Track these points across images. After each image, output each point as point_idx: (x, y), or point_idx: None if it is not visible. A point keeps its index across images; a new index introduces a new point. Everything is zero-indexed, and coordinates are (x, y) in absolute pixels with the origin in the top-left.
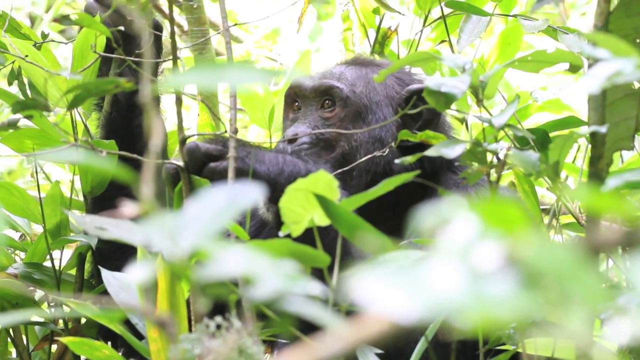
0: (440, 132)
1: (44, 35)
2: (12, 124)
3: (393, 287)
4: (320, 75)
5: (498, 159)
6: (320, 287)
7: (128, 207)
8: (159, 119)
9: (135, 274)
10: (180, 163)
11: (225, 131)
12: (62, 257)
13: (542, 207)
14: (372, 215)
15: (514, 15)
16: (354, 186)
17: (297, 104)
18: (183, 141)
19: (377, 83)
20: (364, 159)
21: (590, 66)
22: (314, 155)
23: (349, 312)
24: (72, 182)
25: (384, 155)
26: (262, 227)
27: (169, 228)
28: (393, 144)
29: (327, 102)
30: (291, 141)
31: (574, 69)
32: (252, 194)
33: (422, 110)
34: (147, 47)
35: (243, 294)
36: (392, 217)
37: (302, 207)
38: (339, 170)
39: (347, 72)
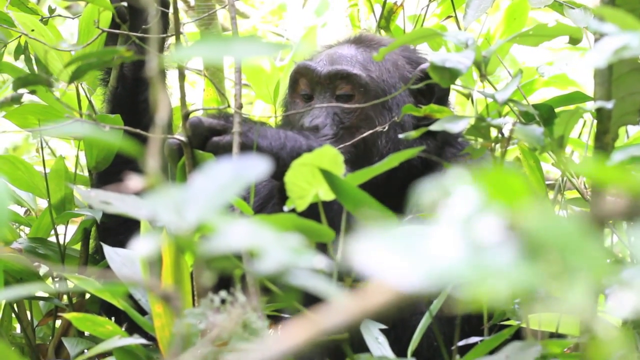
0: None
1: (51, 10)
2: (16, 100)
3: (395, 254)
4: (329, 58)
5: (502, 134)
6: (325, 261)
7: (133, 181)
8: (165, 93)
9: (140, 248)
10: (184, 138)
11: (229, 106)
12: (67, 232)
13: (547, 182)
14: (378, 191)
15: None
16: None
17: (306, 89)
18: (186, 116)
19: (390, 65)
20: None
21: (596, 41)
22: (336, 144)
23: (353, 286)
24: (77, 157)
25: (405, 141)
26: (266, 203)
27: (175, 202)
28: (397, 118)
29: (343, 89)
30: (311, 132)
31: (574, 41)
32: (258, 168)
33: (434, 89)
34: (154, 21)
35: (248, 268)
36: (397, 194)
37: (307, 182)
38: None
39: (358, 55)
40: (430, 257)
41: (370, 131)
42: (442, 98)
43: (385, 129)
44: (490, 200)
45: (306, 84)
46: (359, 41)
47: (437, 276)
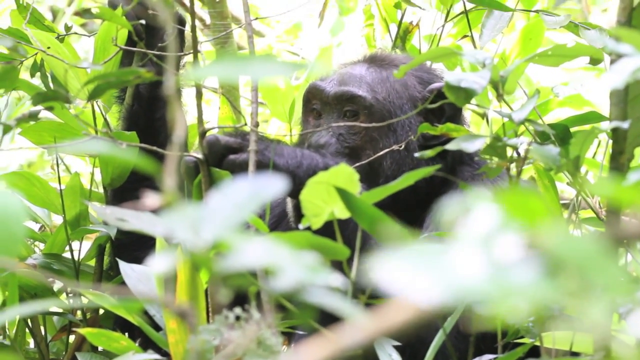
0: None
1: (67, 28)
2: (33, 116)
3: (417, 272)
4: (339, 78)
5: (518, 153)
6: (341, 279)
7: (150, 198)
8: (181, 111)
9: (157, 264)
10: (200, 156)
11: (245, 124)
12: (82, 248)
13: (561, 202)
14: (391, 209)
15: (536, 11)
16: None
17: (316, 108)
18: (203, 134)
19: (399, 85)
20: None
21: (612, 62)
22: None
23: (368, 304)
24: (92, 174)
25: (410, 163)
26: (280, 221)
27: (191, 219)
28: (413, 137)
29: (349, 110)
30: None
31: (594, 62)
32: (274, 186)
33: (444, 108)
34: (171, 39)
35: (264, 285)
36: (410, 212)
37: (322, 200)
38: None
39: (367, 76)
40: (451, 275)
41: (380, 153)
42: (452, 117)
43: (402, 147)
44: (510, 219)
45: (317, 103)
46: (372, 60)
47: (458, 293)
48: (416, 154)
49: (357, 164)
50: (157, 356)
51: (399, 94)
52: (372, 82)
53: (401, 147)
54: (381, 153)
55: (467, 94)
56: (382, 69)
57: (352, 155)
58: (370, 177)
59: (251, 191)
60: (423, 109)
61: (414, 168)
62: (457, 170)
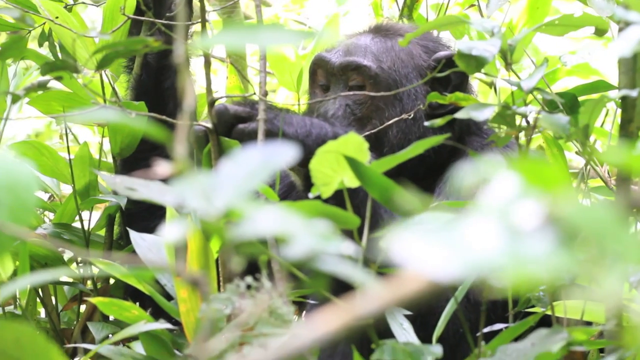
0: None
1: None
2: (42, 85)
3: (431, 245)
4: (344, 49)
5: (527, 122)
6: (353, 247)
7: (161, 167)
8: (190, 81)
9: (168, 233)
10: (209, 125)
11: (254, 93)
12: (91, 218)
13: (570, 171)
14: (398, 179)
15: None
16: None
17: (323, 80)
18: (212, 103)
19: (404, 54)
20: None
21: (621, 30)
22: None
23: (380, 273)
24: (101, 143)
25: (417, 131)
26: (290, 190)
27: (203, 188)
28: (422, 106)
29: (355, 80)
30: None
31: (600, 32)
32: (285, 154)
33: (450, 77)
34: (180, 8)
35: (276, 253)
36: (418, 182)
37: (332, 169)
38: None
39: (372, 46)
40: (467, 247)
41: (389, 122)
42: (459, 86)
43: (411, 116)
44: (529, 187)
45: (323, 74)
46: (377, 30)
47: (475, 265)
48: (426, 123)
49: (364, 134)
50: (169, 325)
51: (404, 63)
52: (377, 52)
53: (410, 116)
54: (390, 122)
55: (478, 62)
56: (387, 39)
57: (358, 124)
58: (376, 146)
59: (262, 159)
60: (429, 78)
61: (420, 137)
62: (465, 140)
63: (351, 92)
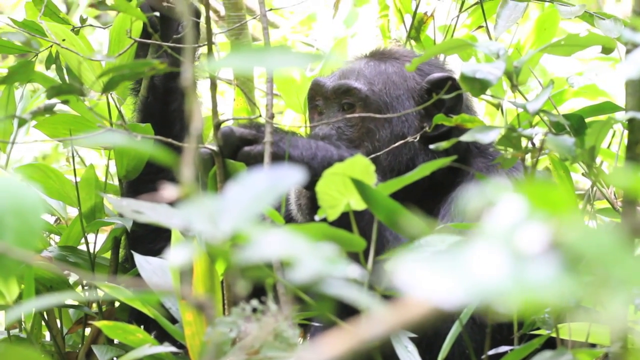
0: None
1: (83, 20)
2: (49, 109)
3: (435, 271)
4: (339, 73)
5: (533, 144)
6: (359, 270)
7: (167, 190)
8: (197, 103)
9: (174, 257)
10: (215, 147)
11: (260, 116)
12: (97, 240)
13: (576, 192)
14: (402, 201)
15: (551, 1)
16: None
17: (319, 104)
18: (218, 125)
19: (397, 77)
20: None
21: (628, 52)
22: None
23: (385, 296)
24: (107, 166)
25: (407, 153)
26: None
27: (209, 211)
28: (428, 128)
29: (346, 103)
30: None
31: (607, 51)
32: (291, 177)
33: (444, 100)
34: (188, 30)
35: (282, 276)
36: (419, 202)
37: (338, 192)
38: None
39: (365, 70)
40: (472, 271)
41: (396, 144)
42: (452, 108)
43: (417, 138)
44: (533, 211)
45: (319, 99)
46: (373, 55)
47: (479, 291)
48: (431, 146)
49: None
50: (173, 348)
51: (396, 86)
52: (369, 75)
53: (416, 139)
54: (397, 144)
55: (482, 85)
56: (381, 62)
57: (350, 146)
58: None
59: (268, 182)
60: (422, 100)
61: (412, 158)
62: (469, 161)
63: (340, 117)
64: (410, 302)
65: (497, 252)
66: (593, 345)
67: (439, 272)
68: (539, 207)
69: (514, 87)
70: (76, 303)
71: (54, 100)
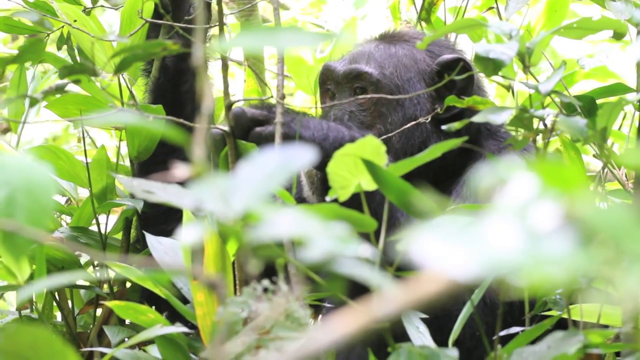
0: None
1: (94, 1)
2: (60, 89)
3: (450, 245)
4: (350, 57)
5: (545, 125)
6: (371, 250)
7: (179, 170)
8: (208, 84)
9: (186, 236)
10: (226, 128)
11: (271, 97)
12: (108, 221)
13: (587, 174)
14: (414, 183)
15: None
16: None
17: (330, 88)
18: (229, 106)
19: (407, 60)
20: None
21: (639, 33)
22: None
23: (396, 275)
24: (118, 147)
25: (419, 135)
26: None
27: (221, 190)
28: (439, 109)
29: (358, 87)
30: None
31: (618, 36)
32: (303, 157)
33: (455, 81)
34: (199, 11)
35: (293, 256)
36: (433, 185)
37: (349, 172)
38: None
39: (375, 53)
40: (486, 247)
41: (406, 126)
42: (464, 89)
43: (428, 120)
44: (546, 189)
45: (330, 84)
46: (382, 38)
47: (494, 264)
48: (443, 127)
49: None
50: (185, 329)
51: (407, 68)
52: (379, 58)
53: (427, 120)
54: (408, 126)
55: (496, 65)
56: (391, 45)
57: (363, 130)
58: None
59: (280, 162)
60: (433, 82)
61: (423, 141)
62: (481, 143)
63: (352, 98)
64: (424, 277)
65: (512, 227)
66: (605, 327)
67: (454, 246)
68: (552, 185)
69: (526, 68)
70: (87, 283)
71: (65, 80)
